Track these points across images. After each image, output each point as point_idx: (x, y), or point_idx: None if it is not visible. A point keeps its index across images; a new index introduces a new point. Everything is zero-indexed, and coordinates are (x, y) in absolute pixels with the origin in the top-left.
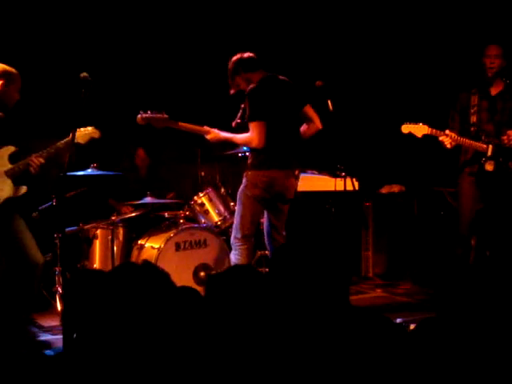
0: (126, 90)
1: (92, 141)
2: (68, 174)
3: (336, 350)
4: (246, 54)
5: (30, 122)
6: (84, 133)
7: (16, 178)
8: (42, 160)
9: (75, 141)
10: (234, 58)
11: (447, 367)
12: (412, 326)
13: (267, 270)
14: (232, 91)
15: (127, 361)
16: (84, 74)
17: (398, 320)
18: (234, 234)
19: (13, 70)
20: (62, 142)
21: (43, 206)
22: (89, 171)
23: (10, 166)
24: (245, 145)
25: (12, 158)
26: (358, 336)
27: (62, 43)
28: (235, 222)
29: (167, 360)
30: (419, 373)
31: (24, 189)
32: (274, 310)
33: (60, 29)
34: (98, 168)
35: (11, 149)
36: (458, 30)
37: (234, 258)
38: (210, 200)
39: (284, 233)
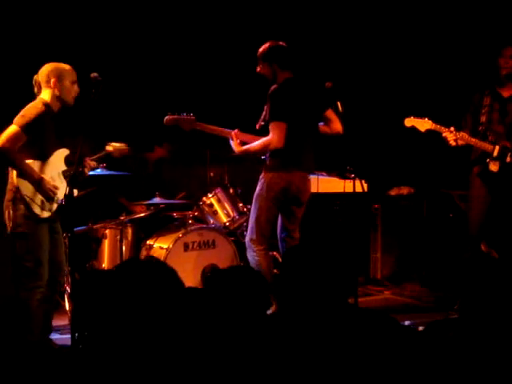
0: (146, 91)
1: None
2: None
3: (343, 350)
4: (285, 49)
5: None
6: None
7: (71, 179)
8: (94, 163)
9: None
10: (273, 44)
11: (454, 370)
12: (420, 329)
13: (275, 271)
14: (259, 69)
15: (132, 357)
16: (94, 74)
17: (407, 322)
18: (250, 235)
19: (53, 65)
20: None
21: None
22: (98, 171)
23: (65, 167)
24: (264, 149)
25: (67, 161)
26: (365, 337)
27: (80, 43)
28: (250, 223)
29: (172, 356)
30: (426, 374)
31: (76, 191)
32: (279, 312)
33: (77, 27)
34: (106, 168)
35: (66, 151)
36: (472, 30)
37: (253, 259)
38: (219, 201)
39: (298, 235)
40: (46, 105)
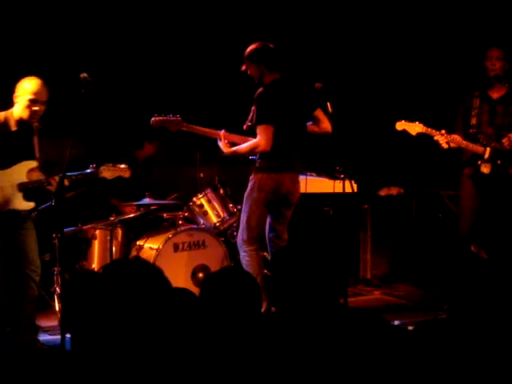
0: (134, 91)
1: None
2: (67, 174)
3: (333, 350)
4: (273, 50)
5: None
6: (113, 169)
7: (28, 192)
8: (65, 182)
9: (101, 175)
10: (261, 45)
11: (444, 369)
12: (410, 329)
13: (266, 271)
14: (244, 68)
15: (123, 358)
16: (84, 75)
17: (396, 322)
18: (241, 236)
19: (24, 79)
20: (90, 172)
21: (42, 207)
22: (87, 171)
23: (25, 179)
24: (251, 151)
25: (31, 173)
26: (355, 337)
27: (69, 43)
28: (241, 224)
29: (162, 357)
30: (416, 373)
31: (31, 205)
32: (270, 313)
33: (67, 28)
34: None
35: (33, 164)
36: (463, 33)
37: (243, 259)
38: (209, 201)
39: (286, 237)
40: (6, 118)
